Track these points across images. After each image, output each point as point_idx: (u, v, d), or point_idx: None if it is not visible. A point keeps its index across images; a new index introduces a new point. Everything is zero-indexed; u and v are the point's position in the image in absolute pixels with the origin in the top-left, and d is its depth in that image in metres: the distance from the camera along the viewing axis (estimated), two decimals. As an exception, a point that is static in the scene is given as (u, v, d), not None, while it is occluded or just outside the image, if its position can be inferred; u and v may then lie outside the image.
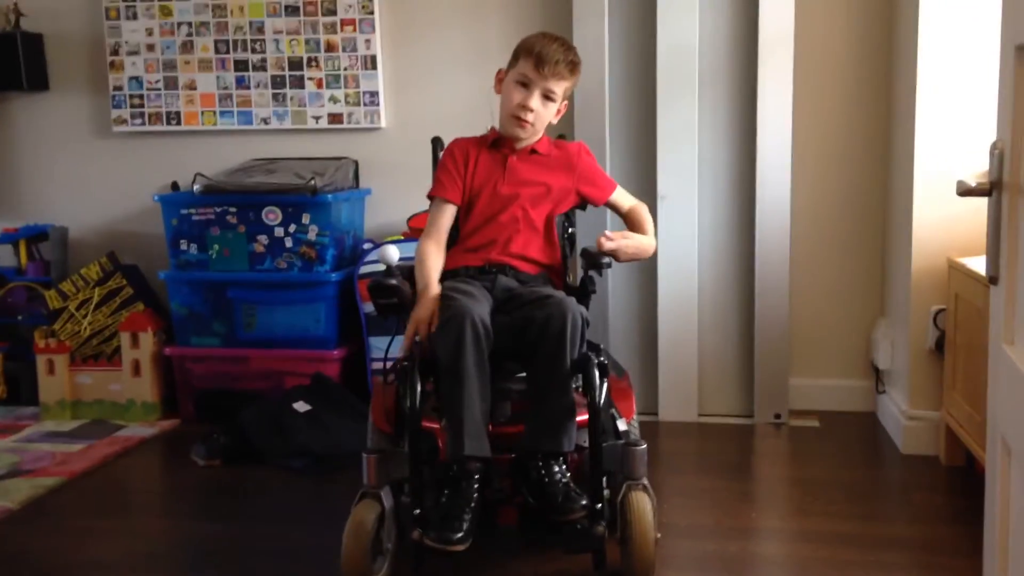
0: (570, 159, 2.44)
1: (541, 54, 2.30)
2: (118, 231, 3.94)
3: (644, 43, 3.37)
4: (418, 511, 2.07)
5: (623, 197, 2.51)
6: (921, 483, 2.82)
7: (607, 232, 2.34)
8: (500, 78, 2.42)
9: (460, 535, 1.98)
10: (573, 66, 2.35)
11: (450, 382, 2.09)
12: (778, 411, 3.39)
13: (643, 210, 2.49)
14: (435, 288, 2.25)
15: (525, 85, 2.33)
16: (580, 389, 2.21)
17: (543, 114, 2.35)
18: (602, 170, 2.54)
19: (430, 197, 2.44)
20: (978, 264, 2.63)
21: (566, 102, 2.42)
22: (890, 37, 3.33)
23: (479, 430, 2.07)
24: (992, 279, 1.41)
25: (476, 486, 2.06)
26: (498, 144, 2.42)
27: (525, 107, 2.32)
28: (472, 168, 2.40)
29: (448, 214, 2.40)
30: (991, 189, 1.39)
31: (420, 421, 2.10)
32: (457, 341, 2.07)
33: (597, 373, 2.12)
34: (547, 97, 2.34)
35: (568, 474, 2.10)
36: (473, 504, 2.03)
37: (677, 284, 3.39)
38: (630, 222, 2.48)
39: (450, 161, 2.42)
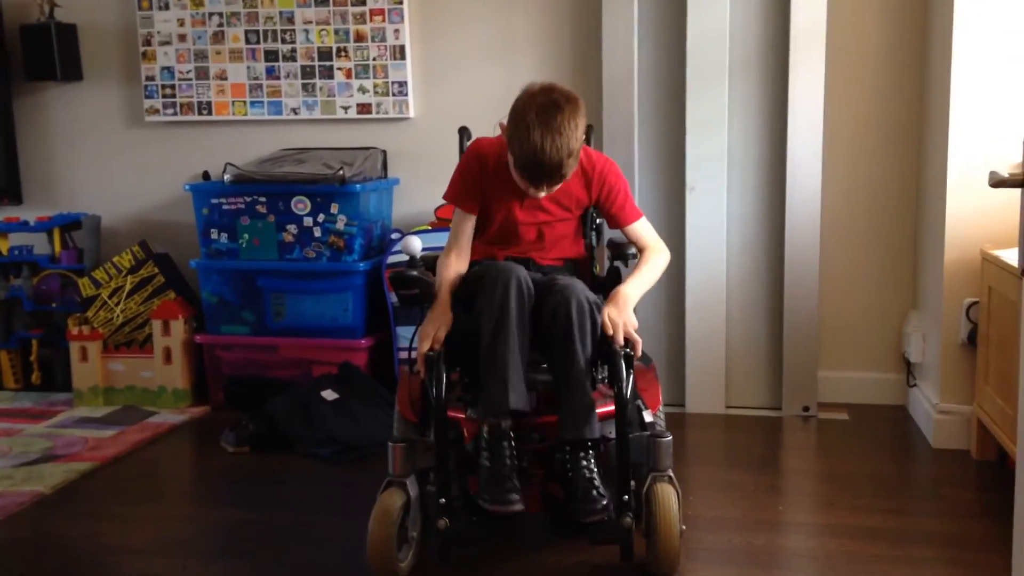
0: (591, 178, 2.32)
1: (532, 172, 2.13)
2: (150, 220, 3.98)
3: (674, 31, 3.34)
4: (443, 500, 2.08)
5: (645, 233, 2.38)
6: (952, 478, 2.79)
7: (608, 324, 2.17)
8: (503, 127, 2.20)
9: (515, 495, 2.00)
10: (567, 166, 2.12)
11: (493, 337, 2.10)
12: (807, 404, 3.36)
13: (655, 255, 2.35)
14: (445, 299, 2.23)
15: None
16: (606, 380, 2.20)
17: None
18: (629, 195, 2.37)
19: (446, 199, 2.39)
20: (1012, 256, 2.59)
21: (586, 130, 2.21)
22: (924, 26, 3.28)
23: (522, 385, 2.09)
24: (1024, 272, 1.40)
25: (513, 444, 2.07)
26: None
27: (533, 194, 2.23)
28: (489, 180, 2.30)
29: (469, 224, 2.34)
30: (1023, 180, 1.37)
31: (446, 410, 2.11)
32: (503, 296, 2.09)
33: (623, 364, 2.12)
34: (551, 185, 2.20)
35: (595, 469, 2.09)
36: (513, 464, 2.05)
37: (705, 275, 3.37)
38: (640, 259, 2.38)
39: (467, 170, 2.33)
